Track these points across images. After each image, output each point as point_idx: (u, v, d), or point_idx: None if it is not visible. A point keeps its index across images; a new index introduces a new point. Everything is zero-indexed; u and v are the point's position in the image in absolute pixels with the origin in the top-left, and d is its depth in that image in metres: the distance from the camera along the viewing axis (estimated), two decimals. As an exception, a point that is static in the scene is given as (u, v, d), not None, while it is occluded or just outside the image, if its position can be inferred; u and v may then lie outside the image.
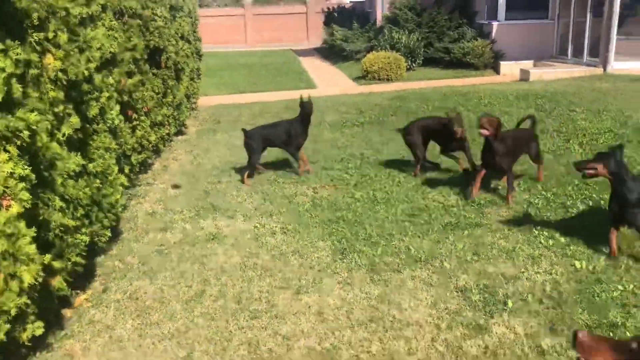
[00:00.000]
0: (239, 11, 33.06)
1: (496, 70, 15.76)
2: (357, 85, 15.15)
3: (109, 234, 4.42)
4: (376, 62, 15.43)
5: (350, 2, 33.34)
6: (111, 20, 4.84)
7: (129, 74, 5.77)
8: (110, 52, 4.76)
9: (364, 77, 15.80)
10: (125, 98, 5.57)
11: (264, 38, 32.98)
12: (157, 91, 7.40)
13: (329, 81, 16.22)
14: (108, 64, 4.85)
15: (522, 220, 4.86)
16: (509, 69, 15.32)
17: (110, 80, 4.72)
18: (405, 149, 7.35)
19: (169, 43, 7.91)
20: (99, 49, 4.29)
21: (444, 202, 5.38)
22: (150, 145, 6.90)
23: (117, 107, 5.02)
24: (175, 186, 6.43)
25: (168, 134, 8.41)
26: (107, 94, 4.32)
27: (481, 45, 15.89)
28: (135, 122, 6.06)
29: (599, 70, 13.81)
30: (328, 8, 29.80)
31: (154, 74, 7.40)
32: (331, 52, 23.18)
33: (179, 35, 9.21)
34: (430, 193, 5.70)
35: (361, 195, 5.71)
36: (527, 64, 15.34)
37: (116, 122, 4.86)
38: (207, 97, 13.61)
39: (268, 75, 17.78)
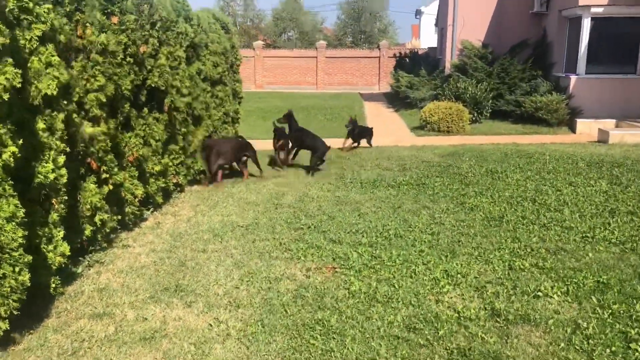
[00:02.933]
0: (312, 53, 32.76)
1: (572, 128, 14.13)
2: (414, 135, 13.98)
3: (5, 326, 3.47)
4: (436, 113, 14.23)
5: (425, 48, 32.37)
6: (52, 55, 3.98)
7: (94, 120, 4.92)
8: (42, 94, 3.90)
9: (422, 127, 14.64)
10: (82, 147, 4.72)
11: (334, 81, 32.50)
12: (157, 138, 6.58)
13: (385, 130, 15.11)
14: (46, 106, 4.01)
15: (563, 356, 3.49)
16: (586, 128, 13.68)
17: (41, 124, 3.85)
18: (437, 225, 6.10)
19: (181, 84, 7.11)
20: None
21: (461, 311, 4.07)
22: (137, 200, 6.03)
23: (61, 159, 4.16)
24: None
25: (178, 184, 7.57)
26: (12, 149, 3.40)
27: (556, 100, 14.34)
28: (105, 175, 5.18)
29: (694, 136, 11.93)
30: (400, 53, 28.89)
31: (155, 119, 6.61)
32: (396, 99, 22.20)
33: (202, 76, 8.45)
34: (447, 293, 4.40)
35: (359, 288, 4.50)
36: (608, 124, 13.63)
37: (51, 177, 3.97)
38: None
39: (323, 120, 16.94)
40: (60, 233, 4.29)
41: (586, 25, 14.42)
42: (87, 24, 4.81)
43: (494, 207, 6.80)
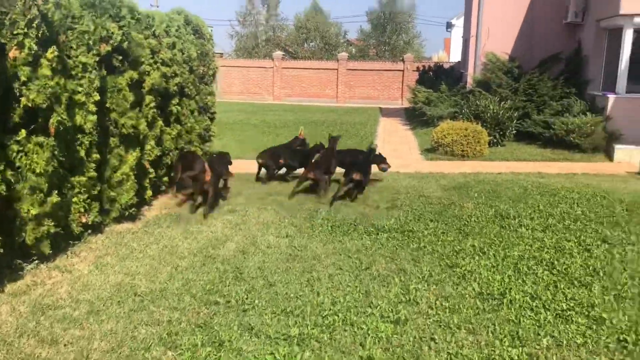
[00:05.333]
0: (332, 65, 31.04)
1: (608, 155, 12.08)
2: (423, 159, 12.13)
3: None
4: (450, 134, 12.34)
5: (452, 62, 30.43)
6: None
7: None
8: None
9: (434, 150, 12.74)
10: None
11: (355, 94, 30.70)
12: (38, 170, 4.92)
13: (393, 152, 13.26)
14: None
15: None
16: (626, 156, 11.61)
17: None
18: (408, 304, 4.28)
19: (87, 99, 5.47)
20: None
21: None
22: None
23: None
24: None
25: (88, 225, 5.92)
26: None
27: (591, 122, 12.33)
28: None
29: None
30: (423, 66, 27.07)
31: (39, 144, 4.97)
32: (414, 115, 20.32)
33: (147, 88, 6.83)
34: None
35: None
36: (653, 152, 11.55)
37: None
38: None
39: (325, 137, 15.12)
40: None
41: (628, 37, 12.41)
42: None
43: (495, 275, 4.94)
